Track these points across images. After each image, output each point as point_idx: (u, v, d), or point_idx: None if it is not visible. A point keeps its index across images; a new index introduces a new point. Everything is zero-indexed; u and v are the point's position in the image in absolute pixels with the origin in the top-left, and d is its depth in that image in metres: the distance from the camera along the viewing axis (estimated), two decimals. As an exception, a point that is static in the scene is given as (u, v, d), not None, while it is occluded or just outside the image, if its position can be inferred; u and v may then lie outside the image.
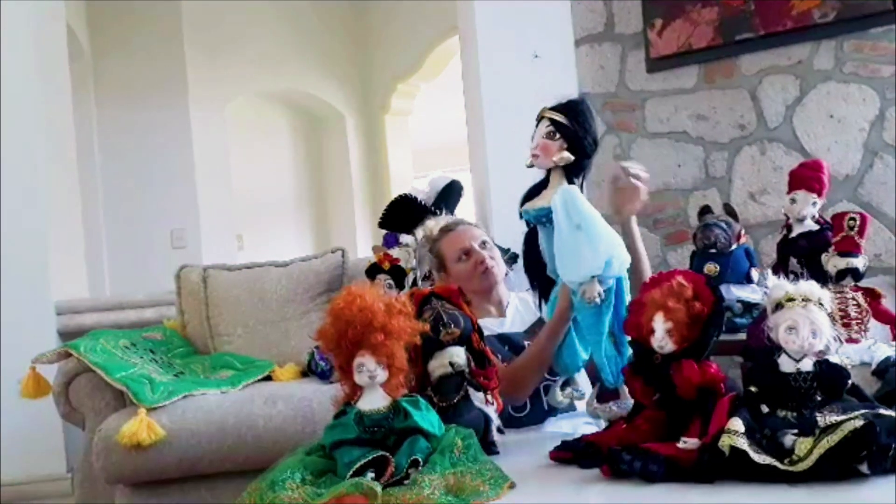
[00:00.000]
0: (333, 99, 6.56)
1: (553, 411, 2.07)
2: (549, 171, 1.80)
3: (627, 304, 1.66)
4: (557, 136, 1.74)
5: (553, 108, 1.77)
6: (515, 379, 1.94)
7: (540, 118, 1.79)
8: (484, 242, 2.30)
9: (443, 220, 2.48)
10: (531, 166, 1.80)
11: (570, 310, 1.79)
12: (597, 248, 1.63)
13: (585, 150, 1.76)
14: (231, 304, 2.91)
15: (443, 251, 2.33)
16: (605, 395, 1.71)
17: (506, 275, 2.37)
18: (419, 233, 2.46)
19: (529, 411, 2.06)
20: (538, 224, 1.81)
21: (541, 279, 1.89)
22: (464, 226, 2.35)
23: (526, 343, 2.12)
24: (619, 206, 2.21)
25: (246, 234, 6.17)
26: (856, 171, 3.10)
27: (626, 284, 1.72)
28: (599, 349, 1.71)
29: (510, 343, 2.13)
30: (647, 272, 2.14)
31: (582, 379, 2.05)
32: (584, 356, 1.86)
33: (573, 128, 1.74)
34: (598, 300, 1.63)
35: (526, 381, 1.99)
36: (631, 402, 1.60)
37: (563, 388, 1.92)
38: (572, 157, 1.73)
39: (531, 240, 1.89)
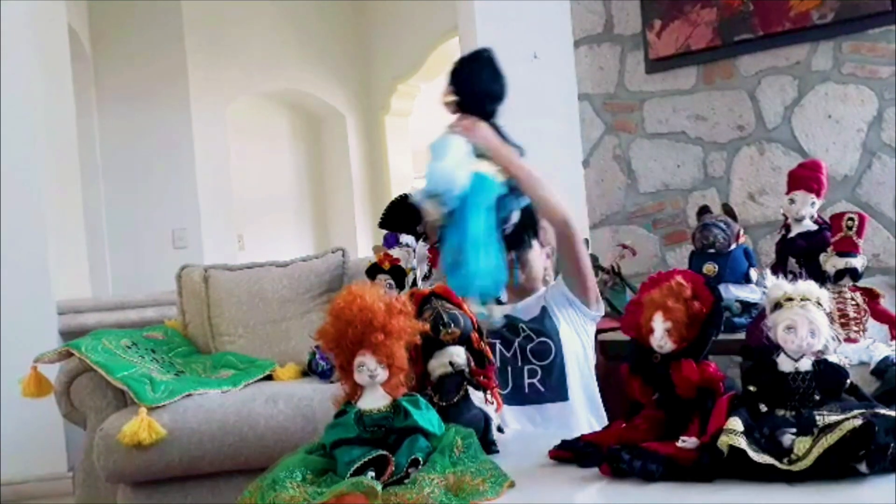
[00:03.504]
0: (333, 99, 6.57)
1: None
2: None
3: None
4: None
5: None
6: None
7: None
8: None
9: None
10: None
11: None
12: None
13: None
14: (232, 303, 2.91)
15: None
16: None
17: None
18: None
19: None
20: None
21: None
22: None
23: (523, 327, 2.14)
24: None
25: (246, 234, 6.18)
26: (854, 171, 3.11)
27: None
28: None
29: (511, 325, 2.15)
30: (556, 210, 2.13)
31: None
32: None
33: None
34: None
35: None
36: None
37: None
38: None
39: None
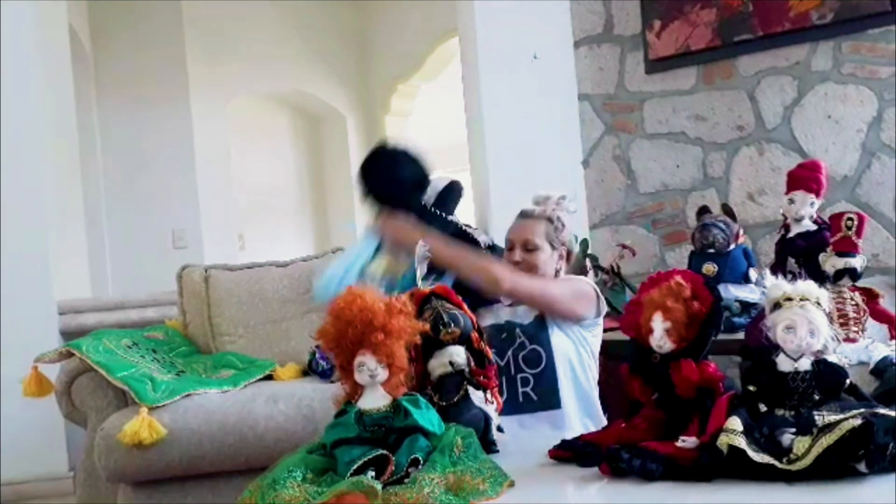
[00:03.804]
0: (333, 99, 6.57)
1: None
2: None
3: None
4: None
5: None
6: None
7: None
8: (527, 244, 2.25)
9: None
10: None
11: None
12: None
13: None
14: (232, 303, 2.92)
15: None
16: None
17: None
18: None
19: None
20: None
21: None
22: (520, 221, 2.32)
23: (520, 332, 2.17)
24: None
25: (247, 234, 6.18)
26: (853, 171, 3.11)
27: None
28: None
29: (507, 331, 2.18)
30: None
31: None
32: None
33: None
34: None
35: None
36: None
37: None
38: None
39: None
